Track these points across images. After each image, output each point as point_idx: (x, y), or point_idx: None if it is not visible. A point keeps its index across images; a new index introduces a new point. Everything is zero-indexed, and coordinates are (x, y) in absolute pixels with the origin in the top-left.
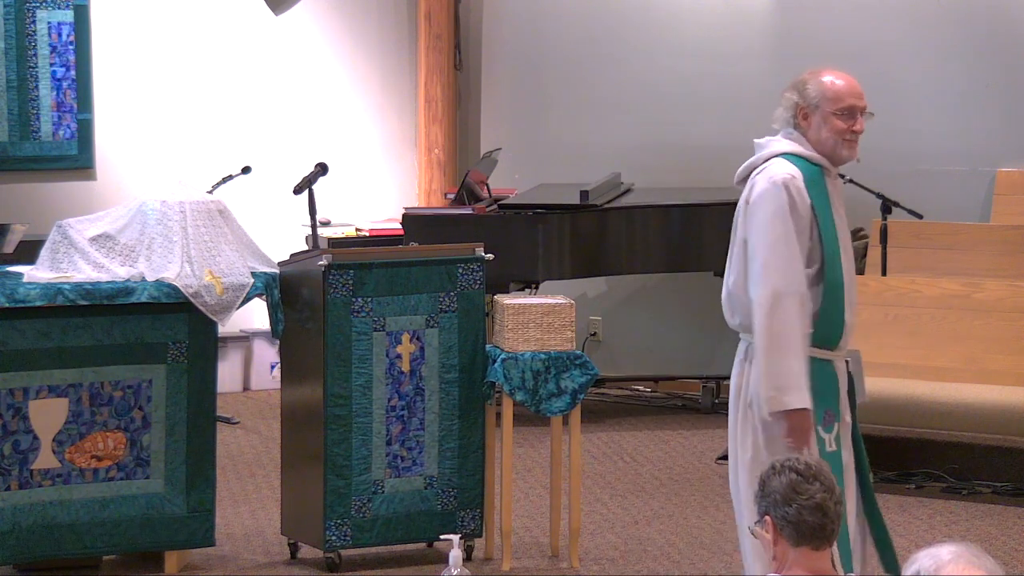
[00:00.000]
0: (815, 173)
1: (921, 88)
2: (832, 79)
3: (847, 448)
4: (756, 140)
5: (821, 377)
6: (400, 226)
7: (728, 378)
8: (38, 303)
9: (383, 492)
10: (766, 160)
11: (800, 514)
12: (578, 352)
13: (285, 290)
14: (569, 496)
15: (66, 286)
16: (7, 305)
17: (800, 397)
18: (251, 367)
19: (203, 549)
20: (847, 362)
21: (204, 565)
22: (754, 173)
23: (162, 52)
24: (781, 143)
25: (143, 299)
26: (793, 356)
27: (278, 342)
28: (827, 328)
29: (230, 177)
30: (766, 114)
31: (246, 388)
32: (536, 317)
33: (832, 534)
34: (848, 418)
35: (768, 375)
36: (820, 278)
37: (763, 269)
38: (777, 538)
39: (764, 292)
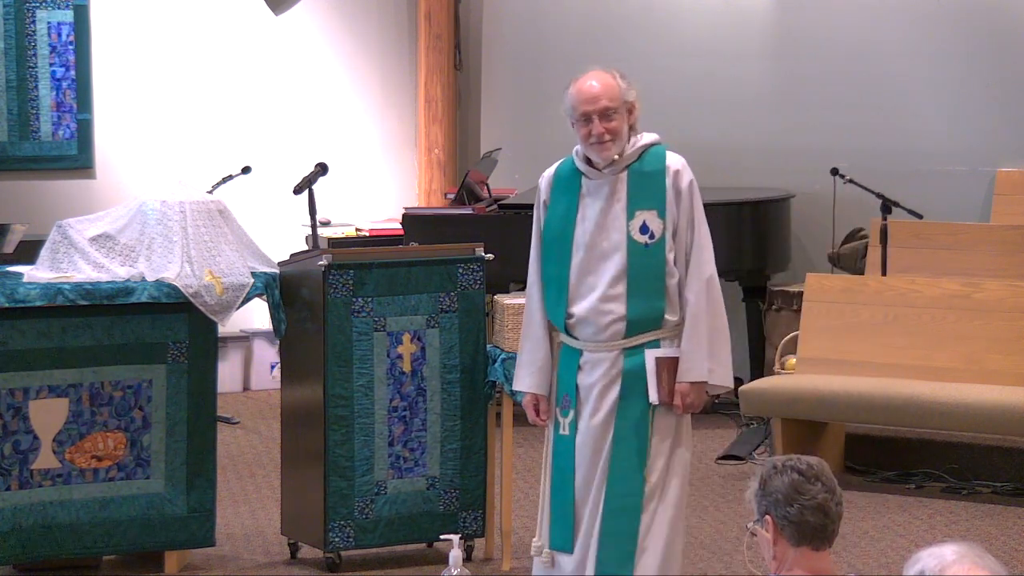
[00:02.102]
0: (569, 172)
1: (921, 88)
2: (570, 90)
3: (592, 433)
4: None
5: (562, 362)
6: (400, 226)
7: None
8: (38, 303)
9: (386, 493)
10: None
11: (802, 514)
12: None
13: (285, 290)
14: None
15: (66, 286)
16: (7, 305)
17: (518, 381)
18: (251, 367)
19: (203, 549)
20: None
21: (204, 565)
22: None
23: (162, 52)
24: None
25: (143, 299)
26: (522, 342)
27: (278, 342)
28: (554, 317)
29: (230, 177)
30: (766, 114)
31: (246, 388)
32: None
33: (833, 534)
34: (589, 410)
35: None
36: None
37: None
38: (777, 538)
39: None
